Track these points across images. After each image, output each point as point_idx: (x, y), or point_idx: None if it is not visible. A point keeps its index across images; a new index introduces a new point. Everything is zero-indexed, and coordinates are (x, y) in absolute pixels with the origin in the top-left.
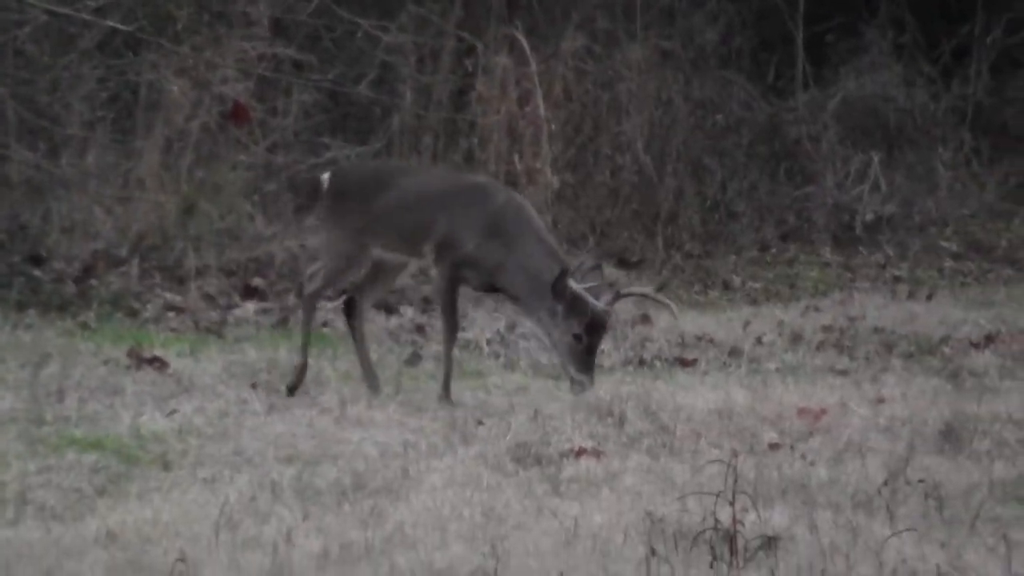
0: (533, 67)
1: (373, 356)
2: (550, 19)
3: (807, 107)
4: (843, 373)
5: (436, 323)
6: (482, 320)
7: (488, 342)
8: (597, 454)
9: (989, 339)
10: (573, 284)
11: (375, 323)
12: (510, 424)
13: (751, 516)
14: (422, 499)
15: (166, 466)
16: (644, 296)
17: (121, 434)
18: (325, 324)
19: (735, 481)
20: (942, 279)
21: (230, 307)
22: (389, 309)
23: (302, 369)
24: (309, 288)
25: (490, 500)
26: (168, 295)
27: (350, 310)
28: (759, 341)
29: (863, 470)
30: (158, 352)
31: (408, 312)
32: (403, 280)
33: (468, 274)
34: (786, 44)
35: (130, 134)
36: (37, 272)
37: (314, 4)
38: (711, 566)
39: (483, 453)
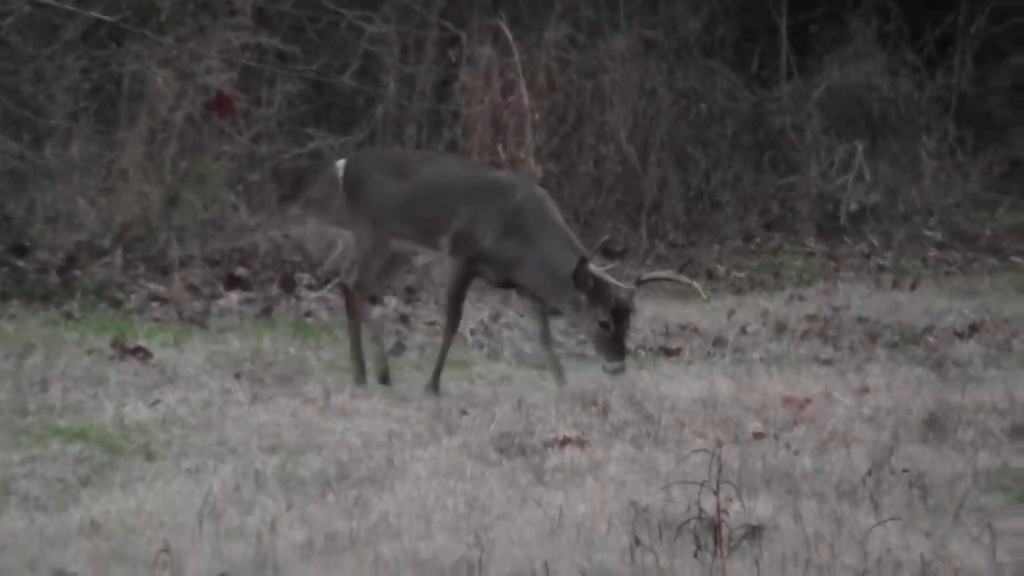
0: (516, 57)
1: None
2: (533, 9)
3: (791, 97)
4: (827, 363)
5: (420, 313)
6: (466, 310)
7: (472, 332)
8: (581, 444)
9: (973, 328)
10: (596, 269)
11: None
12: (494, 414)
13: (735, 505)
14: (406, 489)
15: (150, 456)
16: (667, 279)
17: (105, 424)
18: (308, 314)
19: (719, 471)
20: (926, 268)
21: (214, 297)
22: (373, 299)
23: (382, 358)
24: (349, 280)
25: (474, 490)
26: (152, 285)
27: (349, 297)
28: (743, 331)
29: (847, 459)
30: (142, 342)
31: (392, 302)
32: None
33: (484, 269)
34: (770, 33)
35: (114, 124)
36: (21, 262)
37: None
38: (695, 555)
39: (467, 443)
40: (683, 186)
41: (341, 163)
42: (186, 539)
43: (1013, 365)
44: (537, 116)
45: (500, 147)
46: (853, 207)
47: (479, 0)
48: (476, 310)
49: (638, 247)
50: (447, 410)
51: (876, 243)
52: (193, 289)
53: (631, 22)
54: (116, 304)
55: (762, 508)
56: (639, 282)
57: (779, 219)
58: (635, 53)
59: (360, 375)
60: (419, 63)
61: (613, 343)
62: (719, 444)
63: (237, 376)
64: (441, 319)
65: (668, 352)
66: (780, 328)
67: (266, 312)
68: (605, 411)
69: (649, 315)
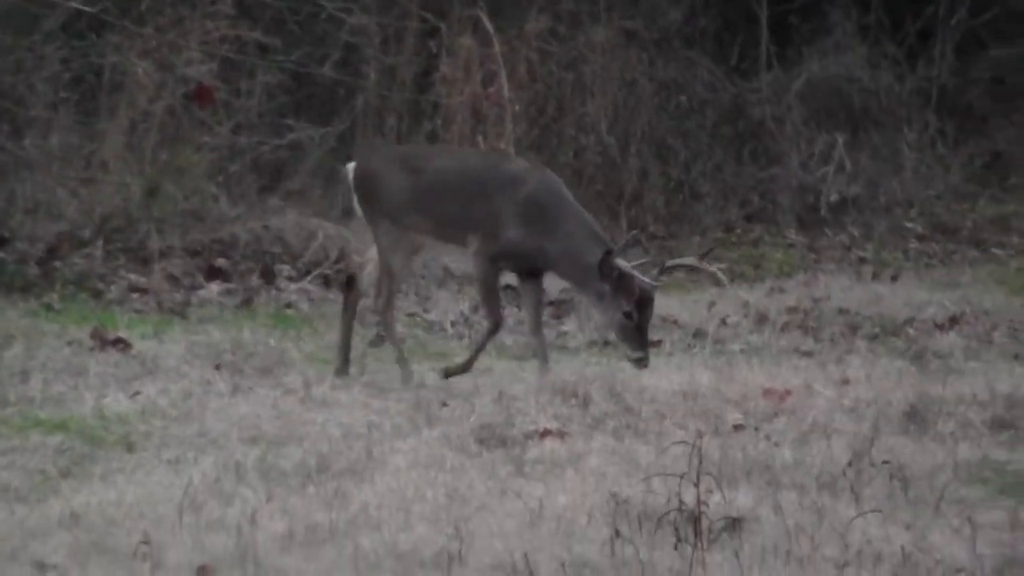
0: (497, 48)
1: (336, 338)
2: (514, 0)
3: (771, 88)
4: (808, 354)
5: (400, 304)
6: (445, 301)
7: (452, 323)
8: (561, 435)
9: (954, 320)
10: (621, 262)
11: (339, 303)
12: (474, 405)
13: (716, 497)
14: (386, 480)
15: (130, 447)
16: (690, 266)
17: (85, 415)
18: (288, 305)
19: (700, 462)
20: (907, 260)
21: (194, 288)
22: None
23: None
24: (380, 302)
25: (454, 481)
26: (132, 276)
27: (350, 288)
28: (724, 322)
29: (828, 451)
30: (122, 333)
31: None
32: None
33: (509, 261)
34: (750, 25)
35: (94, 115)
36: (1, 253)
37: None
38: (676, 547)
39: (447, 434)
40: (663, 177)
41: (351, 166)
42: (166, 531)
43: (993, 357)
44: (517, 107)
45: (480, 138)
46: (834, 199)
47: None
48: (456, 301)
49: (618, 238)
50: (427, 401)
51: (857, 235)
52: (173, 280)
53: (611, 13)
54: (96, 295)
55: (742, 500)
56: (663, 269)
57: (759, 211)
58: (615, 44)
59: (344, 367)
60: (399, 54)
61: (636, 333)
62: (699, 436)
63: (217, 367)
64: (482, 312)
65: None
66: (761, 320)
67: (246, 303)
68: (585, 403)
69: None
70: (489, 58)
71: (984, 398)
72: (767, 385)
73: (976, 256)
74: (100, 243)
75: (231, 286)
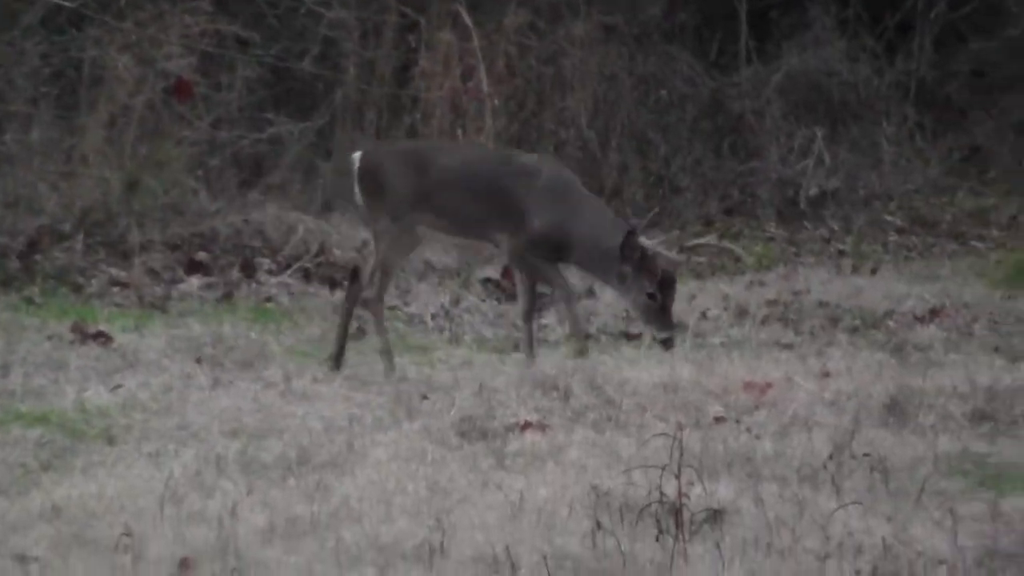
0: (476, 42)
1: (317, 331)
2: None
3: (750, 82)
4: (788, 347)
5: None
6: (426, 294)
7: (433, 316)
8: (542, 428)
9: (934, 313)
10: (643, 242)
11: (319, 297)
12: (455, 398)
13: (697, 489)
14: (367, 473)
15: (111, 440)
16: (710, 245)
17: (66, 409)
18: (269, 299)
19: (681, 455)
20: (886, 253)
21: (174, 282)
22: (333, 283)
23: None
24: (371, 293)
25: (435, 474)
26: (112, 270)
27: (354, 279)
28: (704, 315)
29: (809, 444)
30: (103, 327)
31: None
32: (349, 255)
33: (541, 251)
34: (729, 19)
35: (74, 110)
36: None
37: None
38: (657, 539)
39: (428, 427)
40: (643, 171)
41: (357, 155)
42: (147, 523)
43: (973, 349)
44: (497, 101)
45: (460, 132)
46: (813, 192)
47: None
48: (436, 294)
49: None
50: (408, 394)
51: (836, 228)
52: (154, 274)
53: (591, 8)
54: (77, 289)
55: (723, 492)
56: (683, 249)
57: (739, 204)
58: (595, 39)
59: (338, 358)
60: (378, 48)
61: (661, 314)
62: (680, 428)
63: (198, 361)
64: (556, 296)
65: (629, 336)
66: (741, 313)
67: (227, 297)
68: (566, 395)
69: (609, 300)
70: (468, 52)
71: (964, 390)
72: (748, 378)
73: (955, 249)
74: (80, 237)
75: (211, 280)
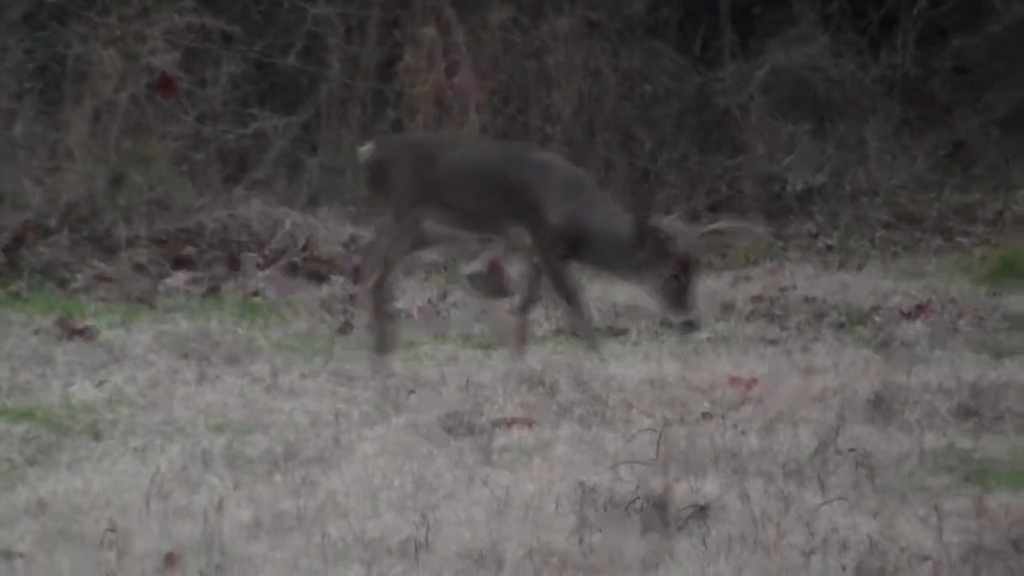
0: (460, 38)
1: (304, 326)
2: None
3: (735, 78)
4: (774, 343)
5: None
6: (412, 289)
7: (419, 311)
8: (529, 423)
9: (919, 309)
10: (656, 222)
11: (306, 291)
12: (441, 393)
13: (683, 485)
14: (353, 468)
15: (97, 436)
16: (725, 230)
17: (52, 404)
18: (255, 293)
19: (667, 450)
20: (872, 249)
21: (160, 277)
22: (320, 278)
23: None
24: (370, 282)
25: (421, 469)
26: (98, 265)
27: (377, 287)
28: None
29: (794, 439)
30: (88, 322)
31: (339, 281)
32: (335, 249)
33: (561, 245)
34: (712, 15)
35: (58, 105)
36: None
37: None
38: (643, 535)
39: (414, 422)
40: (629, 167)
41: (366, 148)
42: (133, 518)
43: (959, 345)
44: (481, 97)
45: (444, 128)
46: (799, 188)
47: None
48: (423, 289)
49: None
50: (394, 389)
51: (822, 224)
52: (140, 269)
53: (574, 4)
54: (62, 284)
55: (709, 488)
56: (702, 235)
57: (725, 200)
58: (579, 34)
59: (385, 347)
60: (363, 44)
61: (682, 296)
62: (666, 424)
63: (184, 356)
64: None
65: (615, 332)
66: (726, 308)
67: (213, 292)
68: (553, 391)
69: (596, 294)
70: (452, 48)
71: (950, 386)
72: (733, 373)
73: (941, 244)
74: (66, 232)
75: (197, 275)
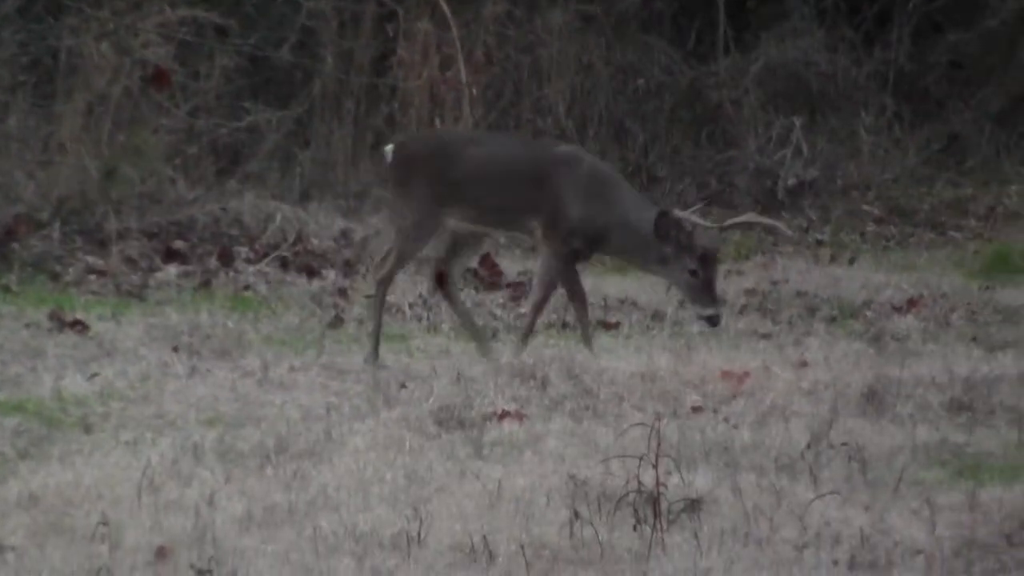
0: (454, 32)
1: (295, 320)
2: None
3: (728, 72)
4: (766, 336)
5: (358, 286)
6: (403, 283)
7: (411, 305)
8: (520, 417)
9: (911, 303)
10: (680, 214)
11: (297, 285)
12: (433, 387)
13: (674, 479)
14: (345, 462)
15: (88, 429)
16: (750, 224)
17: (43, 397)
18: (246, 287)
19: (658, 444)
20: (864, 243)
21: (152, 270)
22: (311, 272)
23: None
24: (380, 273)
25: (413, 463)
26: (90, 258)
27: (441, 283)
28: (682, 304)
29: (786, 433)
30: (80, 315)
31: (331, 275)
32: (326, 243)
33: (577, 244)
34: (707, 9)
35: (51, 98)
36: None
37: None
38: (635, 528)
39: (406, 416)
40: (621, 161)
41: (390, 147)
42: (124, 512)
43: (951, 339)
44: (475, 91)
45: (438, 122)
46: (791, 182)
47: None
48: (415, 283)
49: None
50: (386, 383)
51: (814, 218)
52: (131, 262)
53: None
54: (54, 277)
55: (701, 481)
56: (723, 228)
57: (717, 194)
58: (573, 28)
59: (484, 347)
60: (356, 38)
61: (704, 290)
62: (658, 418)
63: (175, 349)
64: (570, 302)
65: (607, 326)
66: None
67: (204, 285)
68: (544, 385)
69: (587, 288)
70: (446, 42)
71: (942, 380)
72: (725, 367)
73: (933, 239)
74: (58, 225)
75: (189, 268)
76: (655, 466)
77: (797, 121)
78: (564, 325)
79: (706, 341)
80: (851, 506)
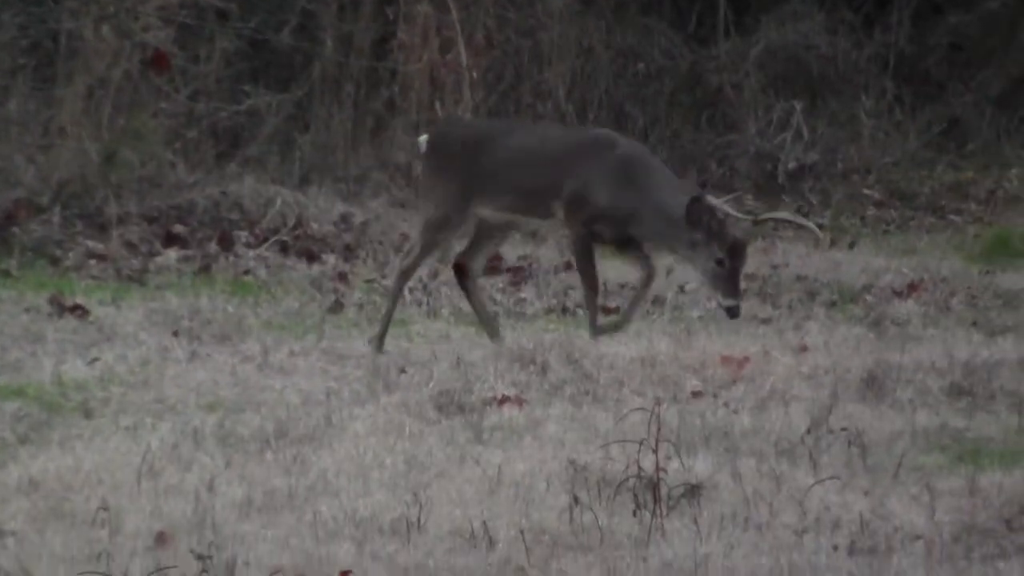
0: (454, 15)
1: (295, 304)
2: None
3: (729, 55)
4: (766, 321)
5: (358, 271)
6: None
7: (411, 290)
8: (520, 402)
9: (912, 287)
10: (713, 201)
11: (296, 270)
12: (433, 372)
13: (674, 464)
14: (345, 447)
15: (88, 414)
16: (784, 220)
17: (43, 382)
18: (246, 272)
19: (658, 429)
20: (865, 227)
21: (152, 255)
22: (311, 256)
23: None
24: (404, 263)
25: (413, 448)
26: (90, 243)
27: (461, 275)
28: (682, 289)
29: (786, 418)
30: (80, 300)
31: (331, 260)
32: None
33: (602, 229)
34: None
35: (51, 82)
36: None
37: None
38: (634, 514)
39: (406, 401)
40: None
41: (424, 138)
42: (124, 497)
43: (951, 324)
44: (475, 74)
45: (438, 105)
46: (792, 166)
47: None
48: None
49: None
50: (385, 368)
51: (814, 201)
52: (131, 246)
53: None
54: (54, 262)
55: (701, 466)
56: (756, 222)
57: (718, 178)
58: (573, 11)
59: (497, 337)
60: (356, 21)
61: (729, 280)
62: (658, 403)
63: (175, 334)
64: (581, 285)
65: (607, 311)
66: None
67: (204, 270)
68: (544, 370)
69: None
70: (446, 25)
71: (942, 365)
72: (725, 352)
73: (933, 222)
74: (58, 209)
75: (189, 252)
76: (655, 451)
77: (797, 104)
78: (564, 310)
79: (705, 326)
80: (851, 491)
